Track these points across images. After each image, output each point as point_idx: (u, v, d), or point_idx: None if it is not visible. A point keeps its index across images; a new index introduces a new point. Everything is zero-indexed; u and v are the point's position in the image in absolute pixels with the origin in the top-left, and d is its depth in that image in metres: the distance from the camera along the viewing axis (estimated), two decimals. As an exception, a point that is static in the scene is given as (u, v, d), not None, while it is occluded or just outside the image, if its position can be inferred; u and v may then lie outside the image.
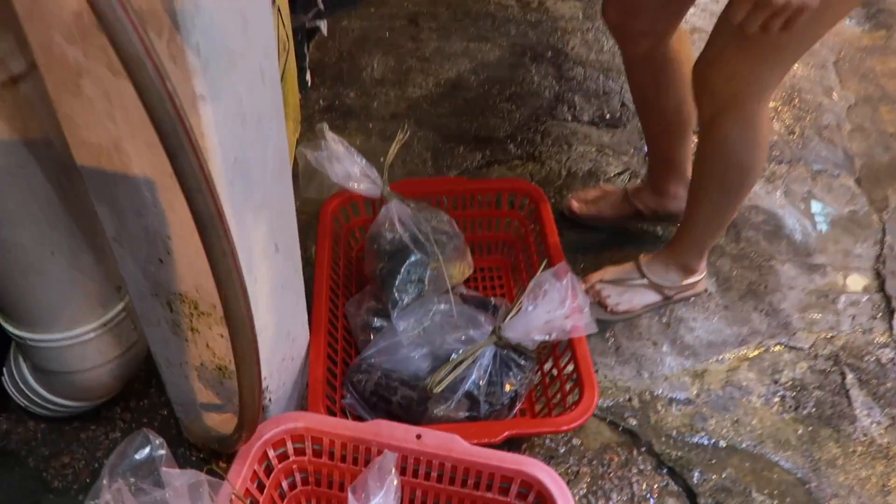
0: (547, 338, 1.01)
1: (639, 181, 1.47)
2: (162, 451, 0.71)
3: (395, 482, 0.69)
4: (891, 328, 1.30)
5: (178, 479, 0.69)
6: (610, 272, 1.30)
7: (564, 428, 0.94)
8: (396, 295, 1.10)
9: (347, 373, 1.07)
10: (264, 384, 0.90)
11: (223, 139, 0.66)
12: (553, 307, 1.01)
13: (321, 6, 1.59)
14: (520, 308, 1.04)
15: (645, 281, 1.27)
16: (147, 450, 0.71)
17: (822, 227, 1.50)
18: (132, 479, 0.69)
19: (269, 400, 0.92)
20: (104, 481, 0.67)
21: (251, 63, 0.71)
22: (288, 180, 0.85)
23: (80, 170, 0.68)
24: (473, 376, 1.00)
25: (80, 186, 0.75)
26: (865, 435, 1.13)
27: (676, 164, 1.33)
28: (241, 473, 0.81)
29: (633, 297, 1.27)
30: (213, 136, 0.64)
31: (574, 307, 1.01)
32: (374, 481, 0.67)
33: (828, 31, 0.96)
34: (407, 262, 1.12)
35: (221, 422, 0.97)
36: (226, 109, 0.66)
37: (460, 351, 1.02)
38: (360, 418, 1.05)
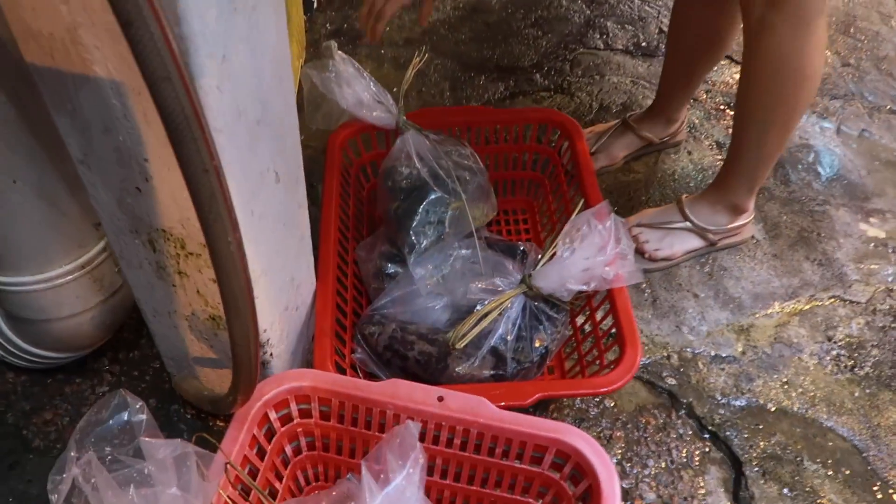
0: (585, 288, 0.89)
1: (635, 112, 1.33)
2: (142, 416, 0.60)
3: (421, 459, 0.58)
4: (956, 281, 1.17)
5: (162, 449, 0.58)
6: (648, 215, 1.17)
7: (604, 390, 0.83)
8: (413, 238, 0.98)
9: (358, 325, 0.95)
10: (264, 337, 0.79)
11: (207, 29, 0.52)
12: (592, 253, 0.89)
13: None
14: (554, 253, 0.92)
15: (688, 224, 1.14)
16: (124, 414, 0.60)
17: (881, 168, 1.36)
18: (107, 449, 0.59)
19: (270, 355, 0.81)
20: (71, 453, 0.56)
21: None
22: (290, 94, 0.72)
23: (31, 70, 0.55)
24: (500, 330, 0.89)
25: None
26: (930, 399, 1.03)
27: (695, 86, 1.25)
28: (237, 440, 0.70)
29: (675, 243, 1.15)
30: (193, 23, 0.50)
31: (616, 253, 0.89)
32: (395, 457, 0.57)
33: None
34: (425, 200, 0.99)
35: (217, 378, 0.86)
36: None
37: (485, 302, 0.91)
38: (371, 375, 0.94)
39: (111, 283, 0.88)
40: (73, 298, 0.84)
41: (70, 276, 0.82)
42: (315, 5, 1.58)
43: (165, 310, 0.79)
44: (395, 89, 1.46)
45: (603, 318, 0.94)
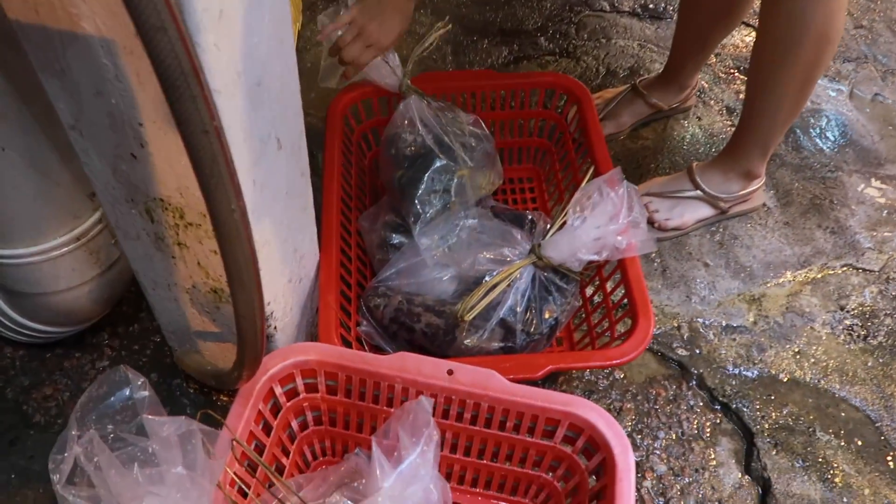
0: (596, 258, 0.87)
1: (644, 77, 1.29)
2: (144, 393, 0.58)
3: (435, 435, 0.56)
4: (970, 249, 1.15)
5: (166, 427, 0.56)
6: (657, 183, 1.14)
7: (616, 362, 0.81)
8: (419, 207, 0.95)
9: (363, 297, 0.93)
10: (268, 310, 0.77)
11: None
12: (604, 221, 0.86)
13: None
14: (564, 222, 0.89)
15: (698, 192, 1.12)
16: (126, 391, 0.58)
17: (893, 132, 1.32)
18: (109, 427, 0.57)
19: (274, 328, 0.79)
20: (73, 431, 0.54)
21: None
22: (291, 56, 0.68)
23: (15, 28, 0.52)
24: (510, 302, 0.87)
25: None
26: (943, 368, 1.01)
27: (708, 53, 1.21)
28: (242, 416, 0.69)
29: (685, 212, 1.12)
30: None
31: (629, 222, 0.86)
32: (408, 434, 0.55)
33: None
34: (430, 168, 0.96)
35: (220, 352, 0.84)
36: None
37: (494, 273, 0.88)
38: (377, 348, 0.92)
39: (108, 256, 0.86)
40: (69, 271, 0.82)
41: (65, 249, 0.79)
42: (312, -33, 1.52)
43: (165, 282, 0.76)
44: (395, 55, 1.41)
45: (614, 289, 0.92)
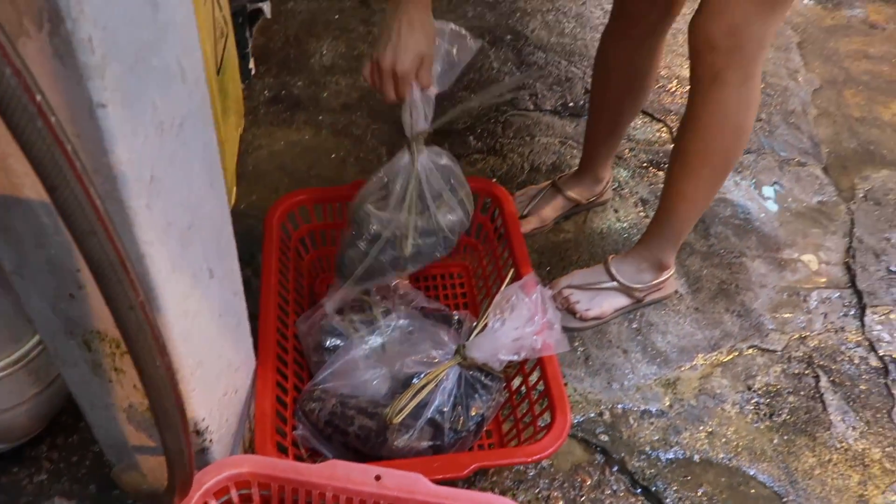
0: (515, 357, 0.94)
1: (563, 174, 1.41)
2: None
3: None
4: (862, 325, 1.27)
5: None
6: (578, 276, 1.23)
7: (537, 457, 0.87)
8: (346, 260, 1.00)
9: (299, 400, 0.98)
10: (202, 425, 0.80)
11: (134, 155, 0.55)
12: (521, 323, 0.94)
13: (262, -13, 1.47)
14: (485, 325, 0.96)
15: (615, 283, 1.21)
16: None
17: (791, 219, 1.46)
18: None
19: (210, 441, 0.83)
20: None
21: (166, 58, 0.60)
22: (222, 195, 0.75)
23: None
24: (437, 402, 0.93)
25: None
26: (841, 442, 1.10)
27: (617, 139, 1.32)
28: (177, 534, 0.72)
29: (604, 302, 1.21)
30: (120, 152, 0.54)
31: (544, 323, 0.94)
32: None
33: None
34: (381, 257, 1.02)
35: (159, 466, 0.87)
36: (135, 118, 0.55)
37: (422, 375, 0.94)
38: (314, 451, 0.96)
39: (47, 374, 0.89)
40: (5, 393, 0.84)
41: (5, 372, 0.82)
42: (253, 72, 1.61)
43: (103, 403, 0.80)
44: (332, 155, 1.51)
45: (537, 382, 0.98)
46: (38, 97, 0.37)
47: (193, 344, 0.73)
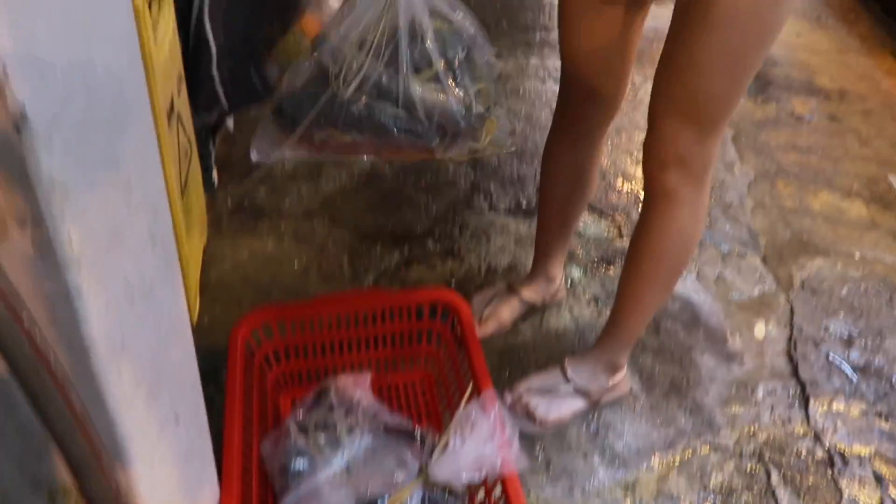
0: (477, 476, 0.96)
1: (518, 278, 1.47)
2: None
3: None
4: (807, 416, 1.33)
5: None
6: (536, 380, 1.28)
7: (500, 581, 0.88)
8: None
9: (264, 529, 0.98)
10: (168, 570, 0.81)
11: (107, 328, 0.59)
12: (482, 441, 0.97)
13: (224, 104, 1.52)
14: (447, 444, 0.99)
15: (572, 387, 1.25)
16: None
17: (736, 311, 1.53)
18: None
19: (174, 584, 0.83)
20: None
21: (138, 232, 0.64)
22: (188, 343, 0.78)
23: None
24: (401, 526, 0.94)
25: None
26: (795, 538, 1.14)
27: (567, 236, 1.38)
28: None
29: (562, 406, 1.25)
30: (93, 328, 0.57)
31: (504, 441, 0.97)
32: None
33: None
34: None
35: None
36: (108, 294, 0.59)
37: (386, 498, 0.96)
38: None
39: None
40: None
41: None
42: (216, 183, 1.66)
43: (65, 552, 0.80)
44: (294, 265, 1.54)
45: (500, 498, 1.01)
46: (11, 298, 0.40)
47: (158, 488, 0.74)
